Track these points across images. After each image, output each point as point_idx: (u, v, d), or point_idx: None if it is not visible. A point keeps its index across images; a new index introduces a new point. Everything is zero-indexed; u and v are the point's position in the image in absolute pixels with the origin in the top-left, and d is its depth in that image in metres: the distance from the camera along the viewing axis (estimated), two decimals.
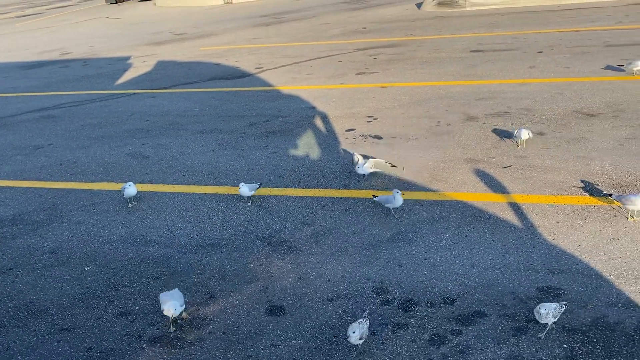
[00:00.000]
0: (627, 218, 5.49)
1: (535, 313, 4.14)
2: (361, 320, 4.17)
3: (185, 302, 4.66)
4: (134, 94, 12.55)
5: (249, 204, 6.57)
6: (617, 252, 5.02)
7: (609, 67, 10.40)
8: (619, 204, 5.59)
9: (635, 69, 9.70)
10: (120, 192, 6.90)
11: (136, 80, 13.85)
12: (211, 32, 20.34)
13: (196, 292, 5.10)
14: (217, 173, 7.66)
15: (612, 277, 4.70)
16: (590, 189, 6.13)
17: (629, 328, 4.13)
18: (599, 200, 5.89)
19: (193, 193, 7.09)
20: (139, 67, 15.38)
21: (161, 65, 15.31)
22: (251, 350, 4.32)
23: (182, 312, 4.62)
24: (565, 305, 4.19)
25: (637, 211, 5.46)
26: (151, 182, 7.56)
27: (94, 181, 7.82)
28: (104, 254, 5.90)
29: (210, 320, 4.71)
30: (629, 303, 4.38)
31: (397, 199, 5.81)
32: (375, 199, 6.07)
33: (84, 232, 6.40)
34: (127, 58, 16.80)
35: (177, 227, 6.30)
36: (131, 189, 6.70)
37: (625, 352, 3.92)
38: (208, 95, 11.75)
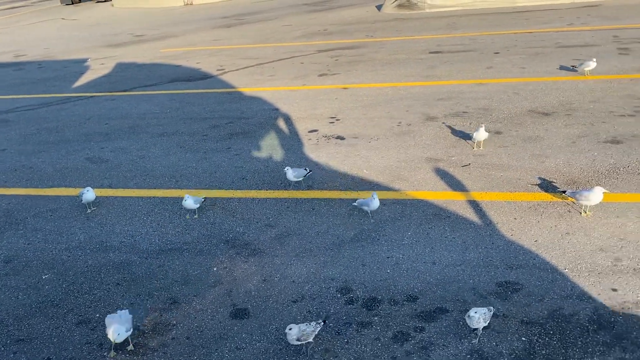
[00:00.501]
0: (581, 213, 5.69)
1: (466, 318, 4.12)
2: (308, 323, 4.18)
3: (132, 326, 4.37)
4: (92, 97, 12.26)
5: (195, 216, 6.30)
6: (572, 246, 5.20)
7: (562, 68, 10.76)
8: (573, 199, 5.79)
9: (586, 69, 10.06)
10: (78, 198, 6.73)
11: (94, 83, 13.54)
12: (171, 34, 20.05)
13: (158, 297, 5.02)
14: (178, 176, 7.56)
15: (567, 270, 4.86)
16: (546, 186, 6.33)
17: (583, 319, 4.28)
18: (554, 196, 6.09)
19: (154, 197, 6.98)
20: (97, 69, 15.04)
21: (120, 68, 15.00)
22: (215, 354, 4.29)
23: (127, 337, 4.32)
24: (492, 309, 4.22)
25: (590, 206, 5.67)
26: (111, 187, 7.41)
27: (50, 187, 7.60)
28: (62, 261, 5.75)
29: (174, 325, 4.65)
30: (583, 295, 4.54)
31: (374, 201, 5.80)
32: (354, 204, 6.03)
33: (40, 240, 6.22)
34: (85, 60, 16.40)
35: (138, 232, 6.19)
36: (90, 194, 6.55)
37: (580, 343, 4.07)
38: (169, 97, 11.59)
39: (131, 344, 4.40)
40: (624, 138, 7.37)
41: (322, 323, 4.25)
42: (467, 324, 4.15)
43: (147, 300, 4.99)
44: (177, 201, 6.78)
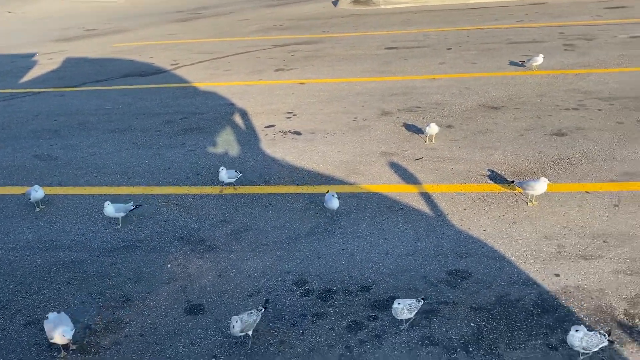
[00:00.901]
0: (527, 203, 5.91)
1: (392, 310, 4.17)
2: (251, 312, 4.20)
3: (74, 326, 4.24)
4: (40, 92, 11.86)
5: (119, 226, 6.03)
6: (518, 234, 5.40)
7: (512, 63, 11.09)
8: (520, 190, 6.00)
9: (534, 64, 10.41)
10: (25, 196, 6.52)
11: (43, 79, 13.10)
12: (124, 28, 19.59)
13: (111, 295, 4.94)
14: (131, 173, 7.42)
15: (513, 258, 5.05)
16: (495, 177, 6.54)
17: (528, 304, 4.47)
18: (502, 187, 6.30)
19: (106, 194, 6.84)
20: (46, 64, 14.55)
21: (70, 63, 14.56)
22: (170, 350, 4.26)
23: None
24: (423, 300, 4.29)
25: (536, 196, 5.89)
26: (60, 185, 7.21)
27: None
28: (9, 261, 5.57)
29: (127, 323, 4.59)
30: (528, 281, 4.73)
31: (333, 201, 5.70)
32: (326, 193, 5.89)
33: None
34: (32, 55, 15.83)
35: (89, 230, 6.06)
36: (38, 193, 6.35)
37: (525, 326, 4.24)
38: (121, 92, 11.33)
39: (71, 342, 4.29)
40: (568, 130, 7.68)
41: (263, 309, 4.29)
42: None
43: (99, 298, 4.90)
44: (130, 199, 6.65)
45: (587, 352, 3.83)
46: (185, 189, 6.84)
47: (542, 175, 6.16)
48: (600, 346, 3.83)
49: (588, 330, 3.85)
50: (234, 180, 6.57)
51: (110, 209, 5.89)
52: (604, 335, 3.86)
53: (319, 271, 5.07)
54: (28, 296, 5.00)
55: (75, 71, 13.59)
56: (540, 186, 5.71)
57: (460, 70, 10.97)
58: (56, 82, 12.59)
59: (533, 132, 7.74)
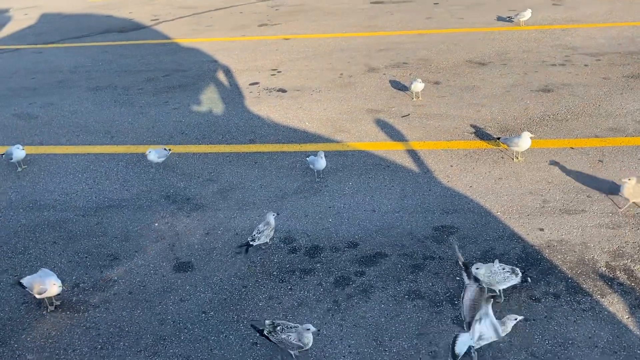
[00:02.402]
0: (513, 159, 5.94)
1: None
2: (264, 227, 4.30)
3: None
4: (17, 49, 11.48)
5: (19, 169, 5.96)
6: (504, 190, 5.45)
7: (499, 19, 10.95)
8: (506, 146, 6.02)
9: (522, 19, 10.29)
10: (5, 156, 6.39)
11: (18, 35, 12.66)
12: None
13: (98, 255, 4.93)
14: (114, 132, 7.30)
15: (499, 213, 5.11)
16: (481, 134, 6.54)
17: (512, 258, 4.54)
18: (488, 143, 6.31)
19: (89, 154, 6.73)
20: (21, 20, 14.04)
21: (46, 18, 14.07)
22: (159, 307, 4.29)
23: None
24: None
25: (521, 152, 5.92)
26: (42, 144, 7.08)
27: None
28: None
29: (115, 281, 4.59)
30: (513, 236, 4.81)
31: (320, 161, 5.67)
32: (307, 159, 5.85)
33: None
34: (6, 11, 15.26)
35: (73, 189, 5.99)
36: (19, 152, 6.23)
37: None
38: (101, 49, 11.02)
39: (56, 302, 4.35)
40: (554, 87, 7.66)
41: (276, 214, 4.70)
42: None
43: (86, 258, 4.88)
44: (114, 157, 6.57)
45: (492, 287, 3.99)
46: (170, 147, 6.75)
47: (526, 130, 6.16)
48: (512, 283, 3.99)
49: (500, 267, 3.99)
50: (164, 159, 6.17)
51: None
52: (517, 274, 3.99)
53: (306, 229, 5.10)
54: (14, 256, 4.98)
55: (52, 27, 13.15)
56: (523, 142, 5.71)
57: (447, 26, 10.81)
58: (33, 39, 12.19)
59: (519, 88, 7.72)
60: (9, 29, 13.28)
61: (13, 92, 8.97)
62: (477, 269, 4.00)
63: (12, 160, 6.30)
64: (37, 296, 4.19)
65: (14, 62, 10.60)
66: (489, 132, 6.56)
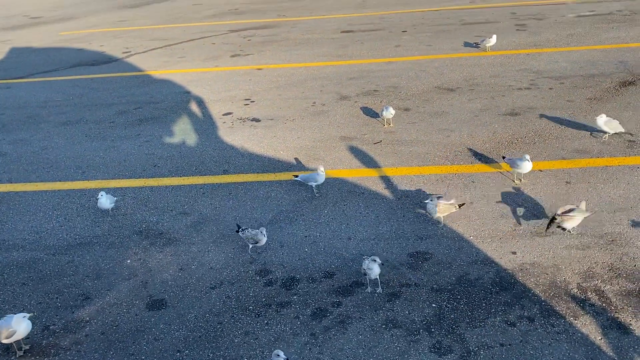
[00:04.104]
0: (514, 181, 5.99)
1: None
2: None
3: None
4: None
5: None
6: (476, 214, 5.52)
7: (466, 44, 11.25)
8: (509, 167, 5.98)
9: (488, 45, 10.59)
10: None
11: None
12: (72, 15, 18.87)
13: (69, 294, 4.81)
14: (85, 167, 7.21)
15: (472, 237, 5.17)
16: (452, 159, 6.65)
17: (487, 282, 4.59)
18: (459, 168, 6.41)
19: (59, 190, 6.63)
20: None
21: (15, 53, 13.95)
22: (133, 347, 4.19)
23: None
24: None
25: (524, 174, 5.94)
26: (10, 182, 6.94)
27: None
28: None
29: (87, 322, 4.48)
30: (486, 260, 4.86)
31: (322, 175, 5.88)
32: (296, 178, 6.04)
33: None
34: None
35: (43, 228, 5.87)
36: None
37: (484, 304, 4.36)
38: (71, 83, 10.94)
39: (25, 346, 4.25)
40: (521, 110, 7.86)
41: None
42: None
43: (57, 298, 4.77)
44: (85, 193, 6.48)
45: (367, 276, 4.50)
46: (142, 181, 6.70)
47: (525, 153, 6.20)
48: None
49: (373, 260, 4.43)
50: (113, 204, 5.94)
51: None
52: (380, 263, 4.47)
53: (282, 260, 5.07)
54: None
55: (21, 61, 13.03)
56: (526, 165, 5.75)
57: (416, 53, 11.05)
58: (1, 74, 12.05)
59: (488, 112, 7.90)
60: None
61: None
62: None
63: None
64: (4, 341, 4.06)
65: None
66: (459, 156, 6.66)
